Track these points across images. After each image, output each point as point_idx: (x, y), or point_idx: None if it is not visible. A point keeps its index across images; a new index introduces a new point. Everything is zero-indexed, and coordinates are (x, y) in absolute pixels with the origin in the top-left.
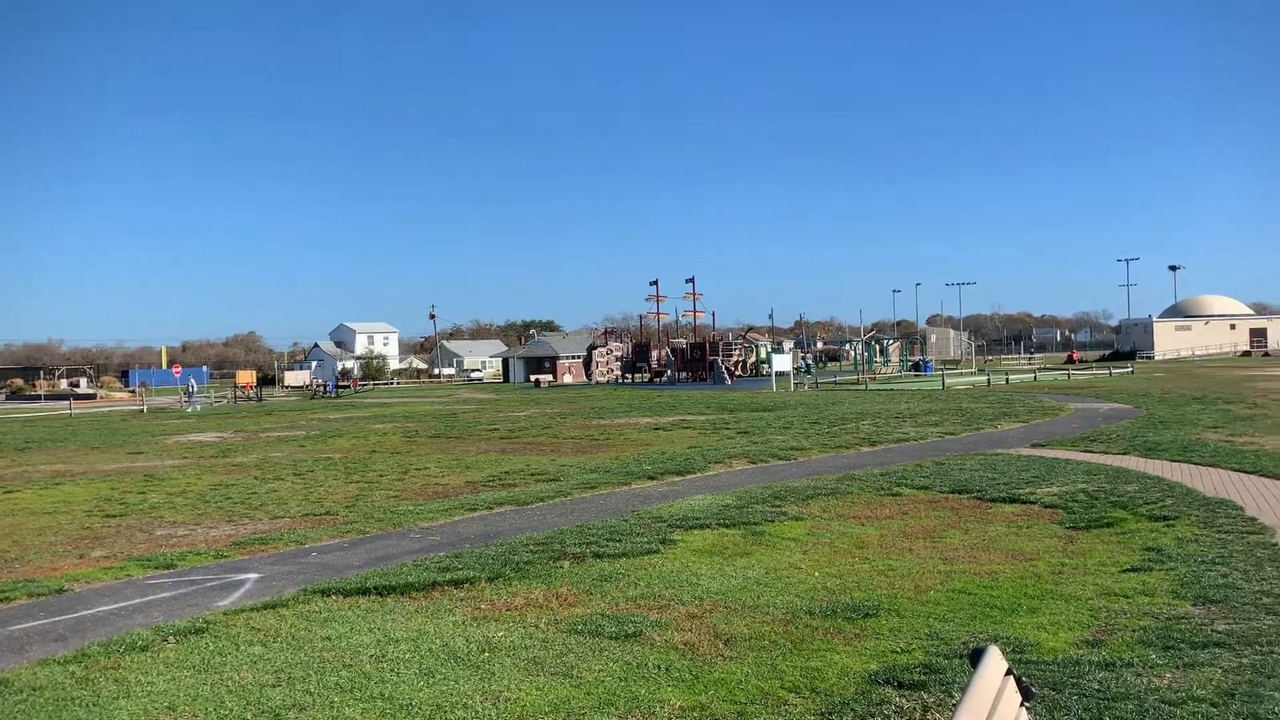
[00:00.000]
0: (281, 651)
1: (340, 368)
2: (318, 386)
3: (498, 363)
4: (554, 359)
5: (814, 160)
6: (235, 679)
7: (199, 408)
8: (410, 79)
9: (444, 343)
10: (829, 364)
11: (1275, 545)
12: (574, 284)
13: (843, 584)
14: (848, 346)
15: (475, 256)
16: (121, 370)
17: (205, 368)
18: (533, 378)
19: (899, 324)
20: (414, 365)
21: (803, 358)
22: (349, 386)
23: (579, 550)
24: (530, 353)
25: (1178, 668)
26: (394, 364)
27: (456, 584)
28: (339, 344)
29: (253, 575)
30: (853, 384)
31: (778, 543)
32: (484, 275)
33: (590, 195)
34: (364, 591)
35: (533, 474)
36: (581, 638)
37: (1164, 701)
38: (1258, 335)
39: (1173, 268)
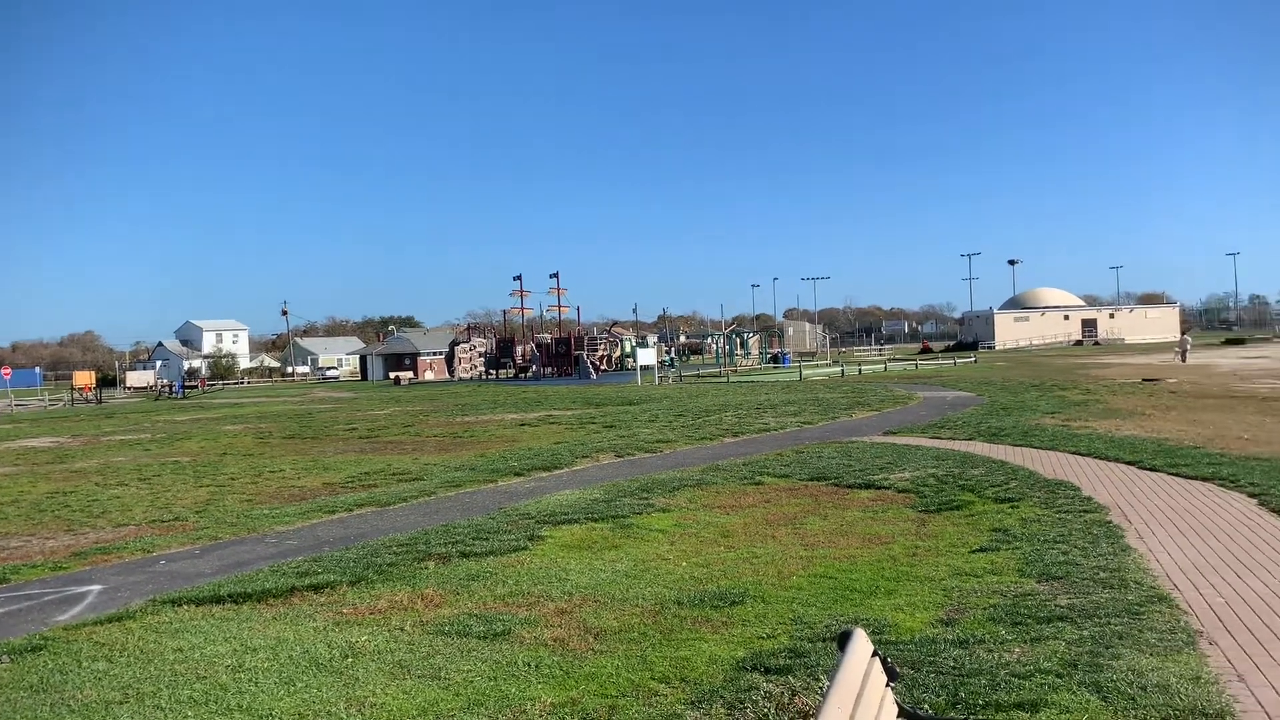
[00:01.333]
0: (129, 666)
1: (187, 367)
2: (163, 387)
3: (355, 360)
4: (415, 356)
5: (673, 156)
6: (78, 698)
7: None
8: (260, 71)
9: (297, 340)
10: (692, 357)
11: (1110, 523)
12: (434, 279)
13: (709, 573)
14: (710, 340)
15: (329, 251)
16: None
17: (38, 369)
18: (393, 375)
19: (758, 318)
20: (266, 364)
21: (667, 352)
22: (196, 387)
23: (444, 550)
24: (390, 349)
25: (1026, 642)
26: (244, 363)
27: (316, 589)
28: (185, 342)
29: (95, 587)
30: (715, 377)
31: (645, 535)
32: (339, 270)
33: (450, 190)
34: (218, 600)
35: (394, 474)
36: (449, 639)
37: (1014, 675)
38: (1089, 326)
39: (1011, 262)
